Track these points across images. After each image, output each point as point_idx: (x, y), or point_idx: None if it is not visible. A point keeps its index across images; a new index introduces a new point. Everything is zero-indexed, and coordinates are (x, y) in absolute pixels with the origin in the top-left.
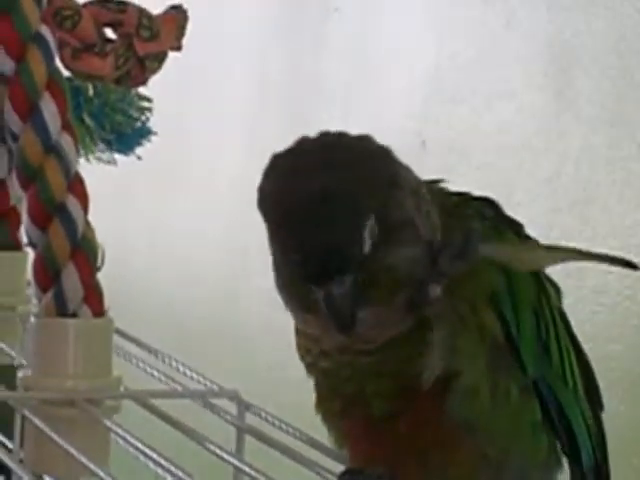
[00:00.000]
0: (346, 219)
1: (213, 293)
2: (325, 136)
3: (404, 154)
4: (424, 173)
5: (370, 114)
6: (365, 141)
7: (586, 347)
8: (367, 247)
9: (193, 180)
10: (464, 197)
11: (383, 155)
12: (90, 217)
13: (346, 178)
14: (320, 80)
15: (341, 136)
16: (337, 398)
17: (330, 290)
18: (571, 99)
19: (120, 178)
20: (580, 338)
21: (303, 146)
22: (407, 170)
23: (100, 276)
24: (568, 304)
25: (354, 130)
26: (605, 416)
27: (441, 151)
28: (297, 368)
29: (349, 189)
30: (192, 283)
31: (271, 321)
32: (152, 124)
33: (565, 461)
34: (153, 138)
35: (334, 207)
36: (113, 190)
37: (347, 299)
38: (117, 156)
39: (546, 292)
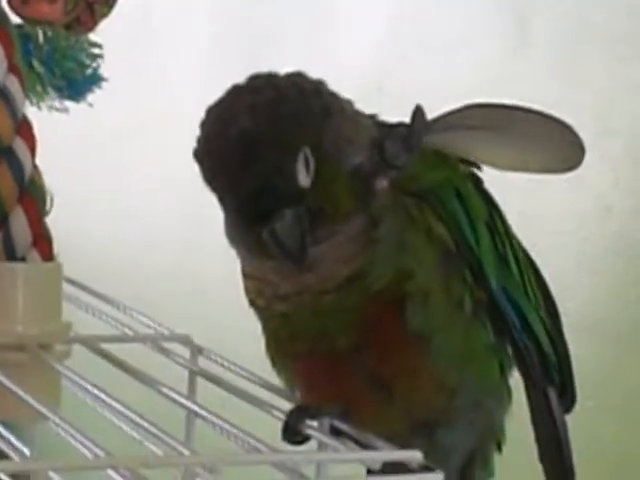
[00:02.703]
0: (274, 155)
1: (169, 242)
2: (254, 79)
3: (360, 101)
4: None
5: (327, 62)
6: (295, 77)
7: None
8: (304, 179)
9: (151, 132)
10: (400, 124)
11: (313, 89)
12: (51, 173)
13: (272, 116)
14: (276, 29)
15: (270, 77)
16: (296, 339)
17: (272, 227)
18: (527, 44)
19: (81, 135)
20: None
21: (233, 92)
22: (345, 101)
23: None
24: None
25: (312, 75)
26: None
27: (397, 99)
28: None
29: (275, 126)
30: (146, 232)
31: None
32: (109, 77)
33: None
34: (111, 96)
35: (260, 146)
36: (74, 146)
37: (291, 232)
38: (81, 120)
39: (497, 209)
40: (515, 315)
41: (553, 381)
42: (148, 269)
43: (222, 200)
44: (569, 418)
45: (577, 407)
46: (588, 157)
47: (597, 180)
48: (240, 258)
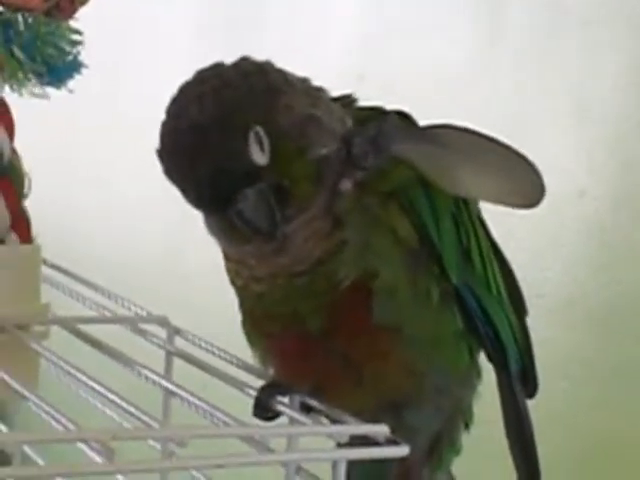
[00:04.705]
0: (223, 139)
1: (152, 225)
2: (201, 72)
3: (342, 89)
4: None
5: (308, 52)
6: (239, 62)
7: (519, 275)
8: (259, 157)
9: (136, 116)
10: (376, 110)
11: (257, 70)
12: (36, 158)
13: (217, 102)
14: (259, 19)
15: (215, 67)
16: (270, 318)
17: (237, 209)
18: (503, 30)
19: (67, 121)
20: (513, 266)
21: (183, 88)
22: (297, 78)
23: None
24: (498, 232)
25: (293, 65)
26: (538, 341)
27: (378, 86)
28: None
29: (221, 111)
30: (130, 216)
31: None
32: (96, 64)
33: (492, 370)
34: (96, 83)
35: (210, 133)
36: (60, 133)
37: (257, 209)
38: (67, 107)
39: (465, 199)
40: (477, 307)
41: (510, 370)
42: (131, 251)
43: (185, 193)
44: (544, 398)
45: (552, 387)
46: (563, 142)
47: (572, 165)
48: (220, 245)
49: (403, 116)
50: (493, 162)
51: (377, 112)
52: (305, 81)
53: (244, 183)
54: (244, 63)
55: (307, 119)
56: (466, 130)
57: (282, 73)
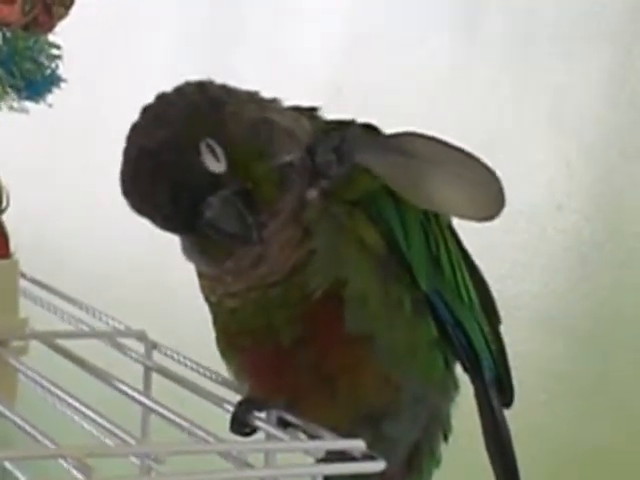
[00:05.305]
0: (172, 158)
1: (131, 240)
2: (145, 106)
3: (320, 102)
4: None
5: (287, 64)
6: (180, 86)
7: (495, 287)
8: (215, 166)
9: (118, 129)
10: (343, 122)
11: (197, 90)
12: (16, 172)
13: (162, 129)
14: (238, 32)
15: (159, 97)
16: (244, 333)
17: (205, 218)
18: (480, 42)
19: (48, 134)
20: (489, 279)
21: (133, 126)
22: (243, 91)
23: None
24: (476, 245)
25: (273, 77)
26: (516, 353)
27: (356, 99)
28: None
29: (166, 137)
30: (109, 230)
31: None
32: (71, 76)
33: (468, 379)
34: (76, 97)
35: (159, 156)
36: (40, 146)
37: (225, 213)
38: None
39: None
40: (449, 315)
41: (484, 378)
42: (112, 264)
43: (154, 220)
44: (523, 410)
45: (531, 400)
46: (542, 153)
47: (550, 177)
48: (199, 268)
49: (369, 127)
50: (455, 170)
51: (342, 123)
52: (254, 94)
53: (206, 192)
54: (185, 86)
55: (258, 122)
56: (429, 138)
57: (224, 87)
